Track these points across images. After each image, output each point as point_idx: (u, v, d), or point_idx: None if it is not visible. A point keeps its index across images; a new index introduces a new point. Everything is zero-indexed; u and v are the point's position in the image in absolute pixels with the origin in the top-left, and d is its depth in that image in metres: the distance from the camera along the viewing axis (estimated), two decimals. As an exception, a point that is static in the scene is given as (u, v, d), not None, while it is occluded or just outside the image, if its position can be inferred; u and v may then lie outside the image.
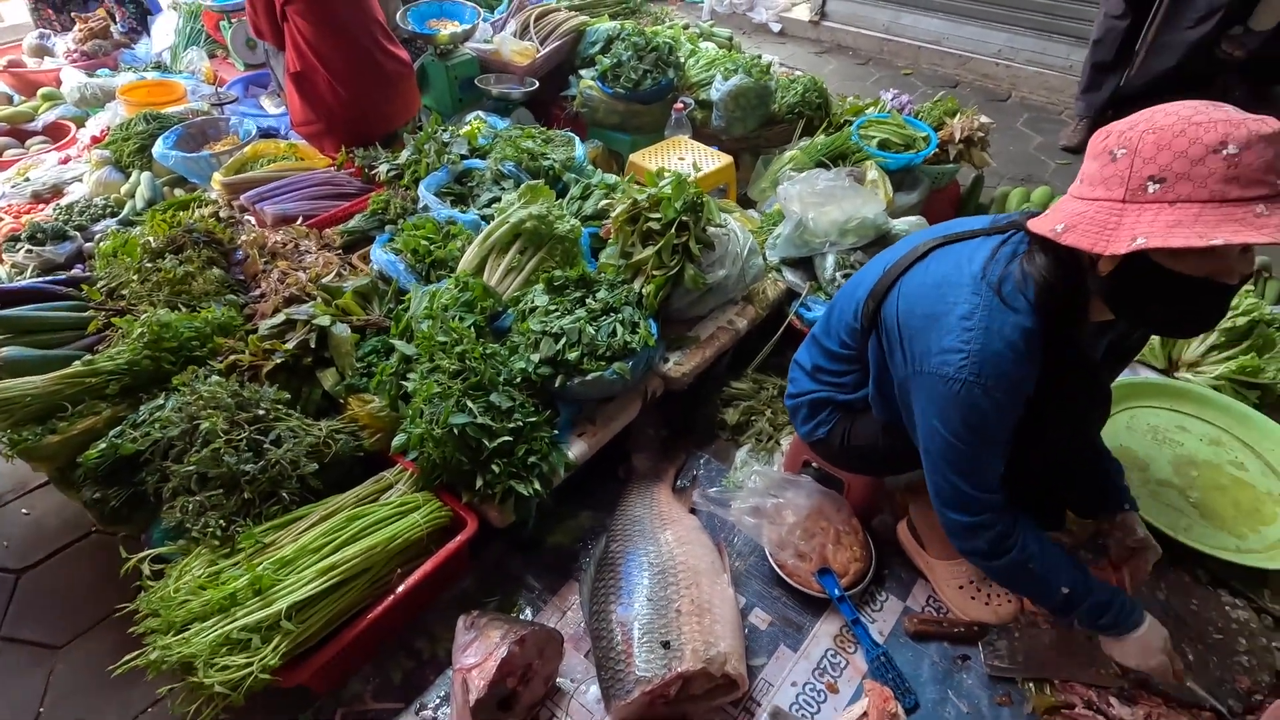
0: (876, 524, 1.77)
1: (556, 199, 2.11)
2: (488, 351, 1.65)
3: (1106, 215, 1.00)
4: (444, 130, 2.39)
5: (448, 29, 2.90)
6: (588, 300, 1.81)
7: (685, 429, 2.04)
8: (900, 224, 2.22)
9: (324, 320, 1.74)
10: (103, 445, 1.45)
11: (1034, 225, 1.11)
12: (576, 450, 1.72)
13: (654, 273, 1.93)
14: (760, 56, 3.19)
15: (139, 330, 1.63)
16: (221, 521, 1.35)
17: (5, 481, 1.93)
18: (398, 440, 1.61)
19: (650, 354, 1.82)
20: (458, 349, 1.62)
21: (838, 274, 2.12)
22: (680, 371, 1.93)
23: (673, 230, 1.91)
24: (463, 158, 2.31)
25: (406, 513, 1.52)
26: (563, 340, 1.70)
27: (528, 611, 1.62)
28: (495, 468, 1.52)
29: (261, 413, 1.51)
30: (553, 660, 1.44)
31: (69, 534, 1.79)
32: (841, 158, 2.60)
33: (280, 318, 1.75)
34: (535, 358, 1.69)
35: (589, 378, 1.68)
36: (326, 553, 1.39)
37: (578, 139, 2.55)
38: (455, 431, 1.50)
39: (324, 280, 1.89)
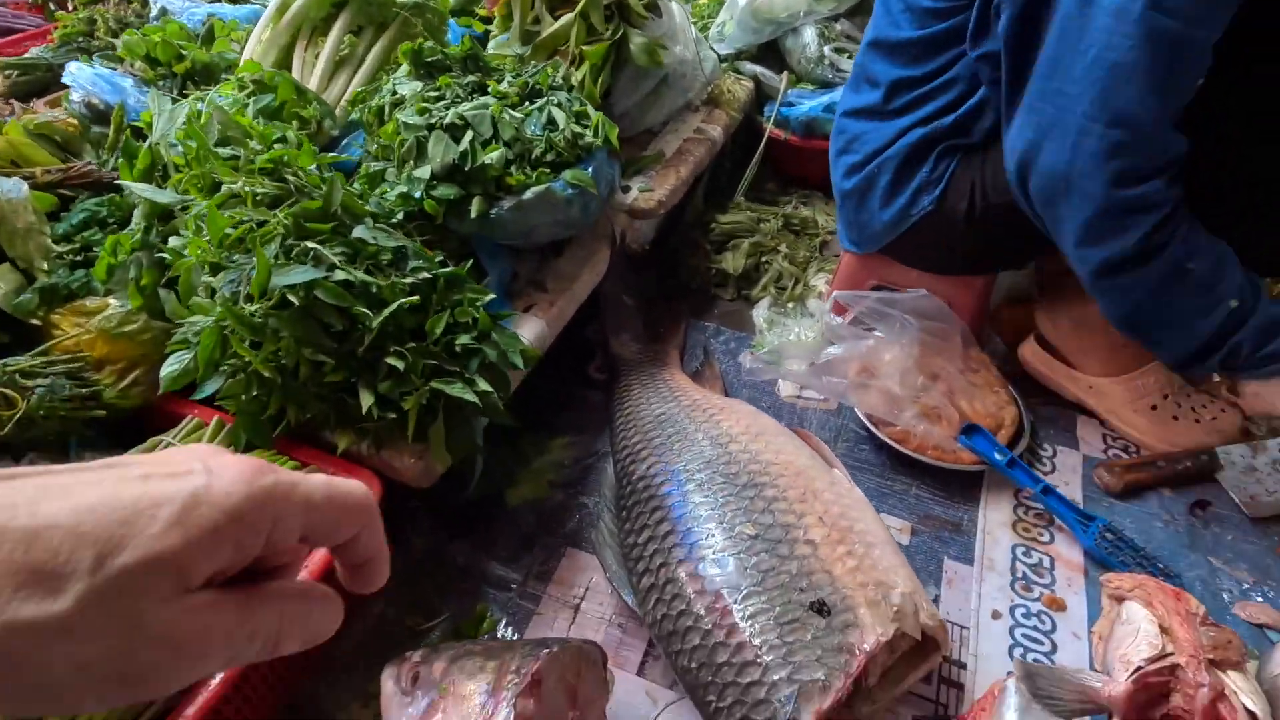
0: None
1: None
2: (330, 174, 0.86)
3: None
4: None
5: None
6: (488, 88, 1.05)
7: (673, 294, 1.36)
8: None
9: (-37, 173, 0.84)
10: None
11: None
12: (530, 332, 0.99)
13: (584, 48, 1.21)
14: None
15: None
16: None
17: None
18: (170, 369, 0.79)
19: (611, 171, 1.11)
20: (264, 157, 0.81)
21: (825, 48, 1.50)
22: (651, 200, 1.23)
23: (600, -26, 1.19)
24: (216, -56, 1.42)
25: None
26: (469, 136, 0.94)
27: (509, 629, 0.87)
28: (395, 361, 0.75)
29: None
30: (598, 696, 0.72)
31: None
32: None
33: None
34: (423, 173, 0.92)
35: (527, 196, 0.94)
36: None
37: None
38: (297, 303, 0.71)
39: (-37, 120, 0.98)
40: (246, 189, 0.77)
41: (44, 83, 1.24)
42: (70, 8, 1.39)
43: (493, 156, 0.92)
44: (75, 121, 1.06)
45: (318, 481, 0.31)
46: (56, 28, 1.33)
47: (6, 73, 1.19)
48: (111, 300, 0.84)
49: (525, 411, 1.13)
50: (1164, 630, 0.77)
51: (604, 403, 1.13)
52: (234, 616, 0.28)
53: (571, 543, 0.96)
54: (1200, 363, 0.88)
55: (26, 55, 1.24)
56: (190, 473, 0.28)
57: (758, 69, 1.56)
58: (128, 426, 0.85)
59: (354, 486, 0.33)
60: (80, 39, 1.27)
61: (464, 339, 0.81)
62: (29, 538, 0.24)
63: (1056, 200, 0.81)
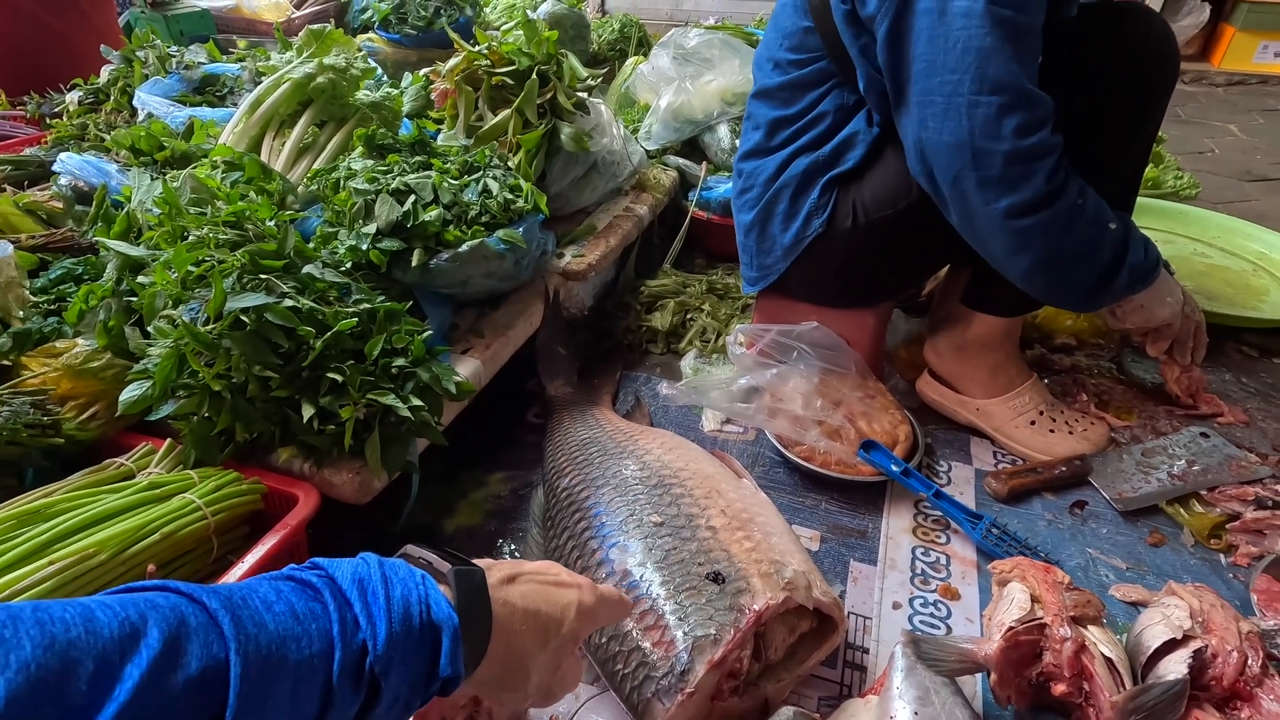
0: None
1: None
2: (286, 226, 0.99)
3: None
4: (169, 45, 1.68)
5: (159, -33, 2.20)
6: (433, 165, 1.22)
7: (608, 353, 1.47)
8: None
9: (-45, 234, 0.96)
10: None
11: None
12: (466, 369, 1.09)
13: (519, 137, 1.40)
14: None
15: None
16: None
17: None
18: (129, 394, 0.87)
19: (544, 235, 1.26)
20: (227, 210, 0.94)
21: (737, 141, 1.73)
22: (583, 264, 1.39)
23: (534, 77, 1.40)
24: (200, 65, 1.62)
25: (170, 495, 0.79)
26: (411, 200, 1.09)
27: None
28: (335, 376, 0.85)
29: None
30: (515, 684, 0.77)
31: None
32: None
33: None
34: (369, 229, 1.05)
35: (463, 249, 1.08)
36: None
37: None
38: (247, 324, 0.82)
39: (-41, 197, 1.10)
40: (210, 235, 0.89)
41: (36, 177, 1.38)
42: (64, 118, 1.56)
43: (432, 215, 1.07)
44: (61, 203, 1.19)
45: (603, 595, 0.61)
46: (51, 133, 1.49)
47: (2, 168, 1.33)
48: (80, 341, 0.93)
49: (466, 452, 1.21)
50: (1035, 599, 0.85)
51: (536, 446, 1.21)
52: (581, 670, 0.64)
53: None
54: (1108, 289, 0.99)
55: (25, 155, 1.39)
56: (574, 585, 0.58)
57: (680, 161, 1.78)
58: (83, 458, 0.91)
59: (616, 593, 0.64)
60: (72, 142, 1.43)
61: (400, 362, 0.91)
62: (533, 616, 0.53)
63: (963, 170, 0.92)
